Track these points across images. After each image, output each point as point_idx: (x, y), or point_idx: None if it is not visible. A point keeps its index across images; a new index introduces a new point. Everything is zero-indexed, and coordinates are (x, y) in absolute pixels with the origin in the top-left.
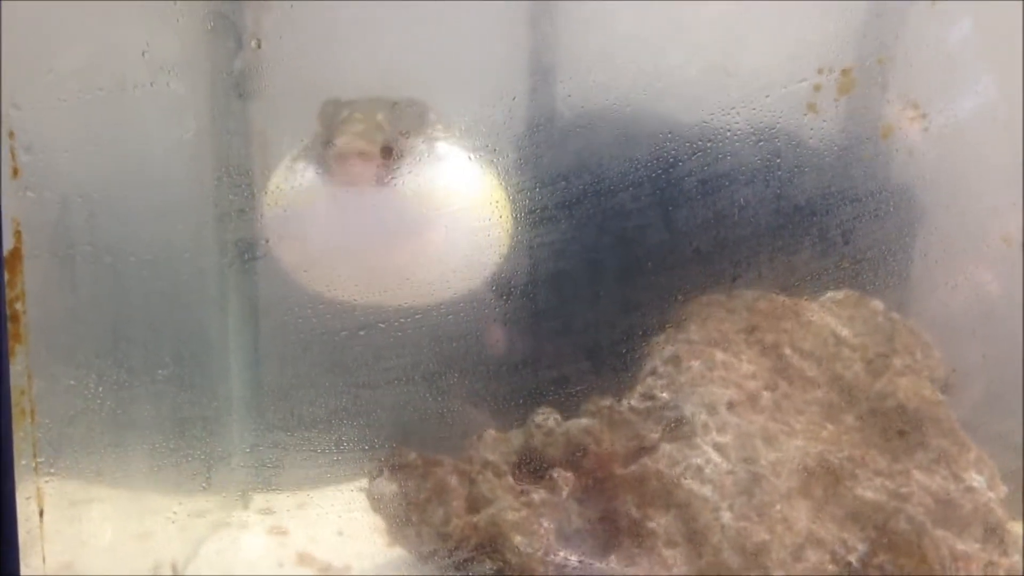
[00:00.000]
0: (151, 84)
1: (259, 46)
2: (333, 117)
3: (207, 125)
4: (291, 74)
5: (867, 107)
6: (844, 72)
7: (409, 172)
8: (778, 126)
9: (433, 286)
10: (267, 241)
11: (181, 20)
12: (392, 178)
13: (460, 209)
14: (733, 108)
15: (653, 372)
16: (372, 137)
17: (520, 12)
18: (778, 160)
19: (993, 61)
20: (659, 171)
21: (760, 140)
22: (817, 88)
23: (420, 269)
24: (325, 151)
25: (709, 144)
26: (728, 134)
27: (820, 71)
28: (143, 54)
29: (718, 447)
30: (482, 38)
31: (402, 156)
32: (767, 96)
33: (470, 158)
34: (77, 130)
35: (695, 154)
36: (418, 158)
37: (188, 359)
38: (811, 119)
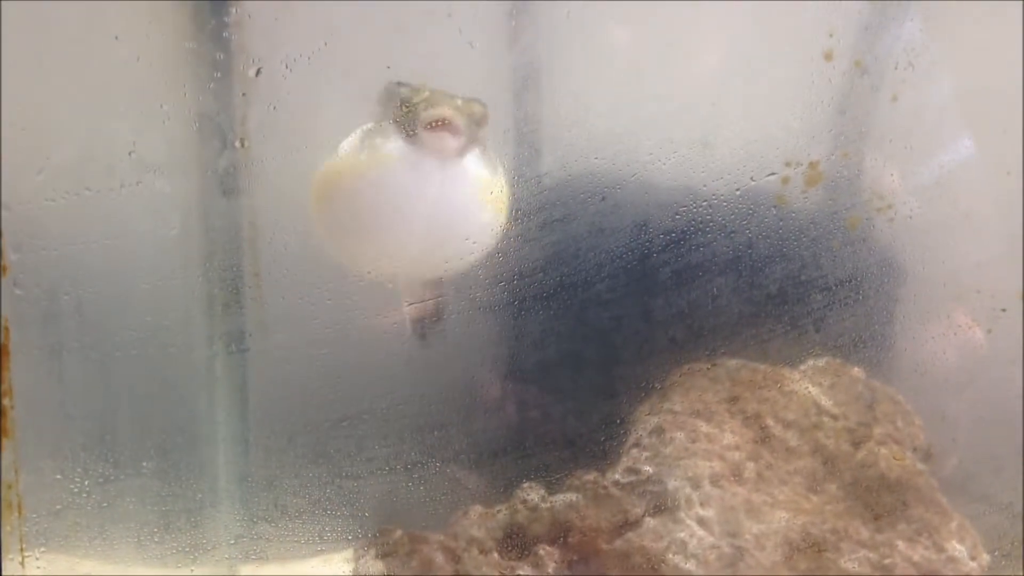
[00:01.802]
0: (138, 183)
1: (243, 145)
2: (412, 95)
3: (193, 222)
4: (275, 172)
5: (834, 199)
6: (812, 165)
7: (473, 160)
8: (749, 218)
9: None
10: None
11: (167, 122)
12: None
13: (488, 209)
14: (705, 201)
15: (637, 444)
16: (461, 114)
17: (502, 117)
18: (750, 251)
19: (955, 152)
20: (634, 262)
21: (732, 231)
22: (785, 181)
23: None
24: (410, 120)
25: (683, 236)
26: (700, 226)
27: (788, 164)
28: (130, 154)
29: (702, 521)
30: None
31: (475, 142)
32: (737, 190)
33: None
34: (65, 228)
35: (668, 246)
36: (479, 152)
37: (174, 452)
38: (780, 211)
